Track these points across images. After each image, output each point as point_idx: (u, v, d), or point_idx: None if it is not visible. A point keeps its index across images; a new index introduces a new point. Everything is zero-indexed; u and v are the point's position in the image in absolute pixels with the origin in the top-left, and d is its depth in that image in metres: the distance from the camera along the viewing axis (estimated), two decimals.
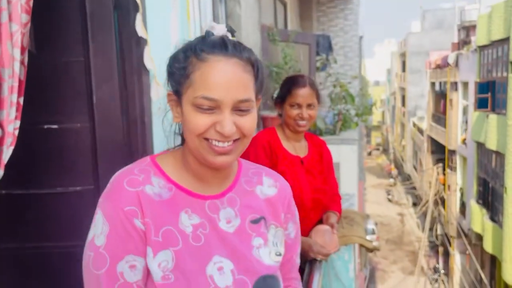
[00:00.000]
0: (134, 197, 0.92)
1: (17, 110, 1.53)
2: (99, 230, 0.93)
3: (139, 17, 1.90)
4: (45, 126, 1.97)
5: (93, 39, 1.93)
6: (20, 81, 1.51)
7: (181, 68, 0.93)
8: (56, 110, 1.97)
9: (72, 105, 1.98)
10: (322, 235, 1.40)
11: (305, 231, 1.56)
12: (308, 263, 1.46)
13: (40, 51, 1.86)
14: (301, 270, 1.51)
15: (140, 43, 1.98)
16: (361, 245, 1.64)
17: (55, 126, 1.98)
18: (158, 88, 2.06)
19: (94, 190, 2.01)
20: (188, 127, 0.91)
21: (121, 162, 2.05)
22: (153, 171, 0.97)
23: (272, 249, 0.97)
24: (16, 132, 1.57)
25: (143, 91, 2.02)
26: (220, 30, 0.97)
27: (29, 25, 1.50)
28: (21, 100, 1.55)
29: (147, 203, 0.92)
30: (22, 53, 1.52)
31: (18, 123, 1.57)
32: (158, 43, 2.09)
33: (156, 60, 2.02)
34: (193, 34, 2.43)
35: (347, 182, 1.75)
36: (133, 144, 2.02)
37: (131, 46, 1.97)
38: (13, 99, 1.47)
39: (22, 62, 1.54)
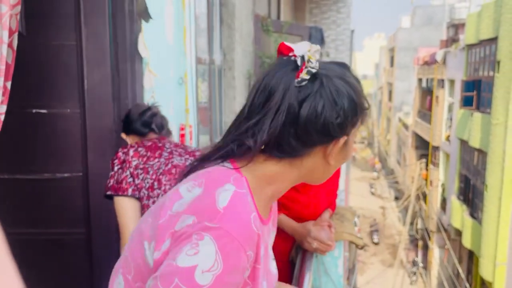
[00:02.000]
0: (255, 240, 0.75)
1: (3, 95, 1.48)
2: (207, 265, 0.68)
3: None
4: (34, 111, 1.93)
5: (85, 22, 1.88)
6: (7, 64, 1.46)
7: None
8: (46, 95, 1.93)
9: (62, 90, 1.93)
10: (320, 230, 1.41)
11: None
12: (299, 257, 1.47)
13: (31, 33, 1.81)
14: (292, 265, 1.51)
15: (134, 30, 1.94)
16: (350, 242, 1.65)
17: (44, 111, 1.93)
18: (151, 76, 2.02)
19: (83, 177, 1.98)
20: (347, 156, 0.84)
21: (111, 149, 2.02)
22: (249, 197, 0.78)
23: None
24: (2, 117, 1.52)
25: (135, 79, 1.98)
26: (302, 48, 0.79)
27: (19, 6, 1.45)
28: (8, 84, 1.50)
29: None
30: (10, 35, 1.47)
31: (4, 108, 1.52)
32: (153, 30, 2.05)
33: (150, 47, 1.99)
34: (188, 22, 2.39)
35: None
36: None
37: (125, 32, 1.93)
38: (0, 83, 1.43)
39: (10, 45, 1.49)
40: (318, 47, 0.77)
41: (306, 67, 0.74)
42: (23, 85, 1.78)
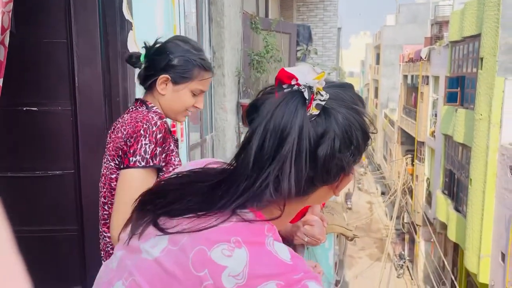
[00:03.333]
0: None
1: None
2: None
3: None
4: (24, 108, 1.92)
5: (76, 19, 1.88)
6: (0, 62, 1.47)
7: None
8: (36, 92, 1.93)
9: (53, 88, 1.93)
10: (313, 226, 1.44)
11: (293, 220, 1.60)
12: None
13: (21, 30, 1.80)
14: None
15: (125, 26, 1.95)
16: (341, 234, 1.69)
17: (34, 109, 1.93)
18: None
19: (74, 174, 1.98)
20: (349, 181, 0.79)
21: (102, 147, 2.03)
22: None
23: None
24: None
25: (126, 76, 1.99)
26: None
27: (11, 4, 1.45)
28: (0, 81, 1.51)
29: None
30: (2, 33, 1.47)
31: None
32: (143, 27, 2.06)
33: (140, 44, 1.99)
34: (178, 18, 2.40)
35: None
36: None
37: (116, 29, 1.94)
38: None
39: (1, 42, 1.49)
40: (320, 70, 0.69)
41: (315, 100, 0.66)
42: (13, 83, 1.78)
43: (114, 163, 1.30)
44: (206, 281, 0.62)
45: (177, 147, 1.40)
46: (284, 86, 0.68)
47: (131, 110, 1.35)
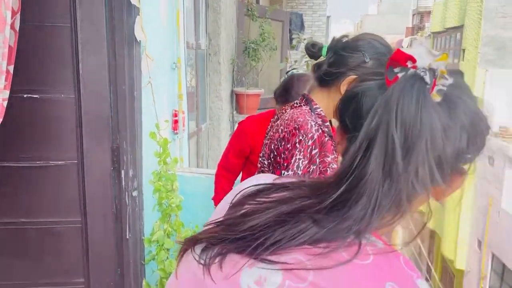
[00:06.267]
0: None
1: (6, 79, 1.41)
2: None
3: None
4: (25, 95, 1.84)
5: (80, 3, 1.80)
6: (10, 47, 1.39)
7: None
8: (38, 79, 1.84)
9: (55, 74, 1.85)
10: None
11: None
12: None
13: (22, 12, 1.71)
14: None
15: (132, 11, 1.88)
16: None
17: (36, 96, 1.85)
18: (149, 61, 1.97)
19: (78, 164, 1.92)
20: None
21: (107, 136, 1.96)
22: None
23: None
24: (5, 104, 1.45)
25: (133, 64, 1.92)
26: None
27: None
28: (11, 68, 1.43)
29: None
30: (12, 16, 1.39)
31: (7, 93, 1.45)
32: (148, 13, 1.99)
33: (147, 31, 1.93)
34: (181, 5, 2.33)
35: None
36: (120, 119, 1.94)
37: (122, 15, 1.86)
38: (3, 67, 1.35)
39: (12, 26, 1.41)
40: (437, 53, 0.58)
41: (437, 85, 0.56)
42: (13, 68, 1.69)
43: (268, 162, 1.22)
44: None
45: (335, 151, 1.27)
46: (396, 70, 0.57)
47: (295, 105, 1.24)
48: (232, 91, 4.02)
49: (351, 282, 0.50)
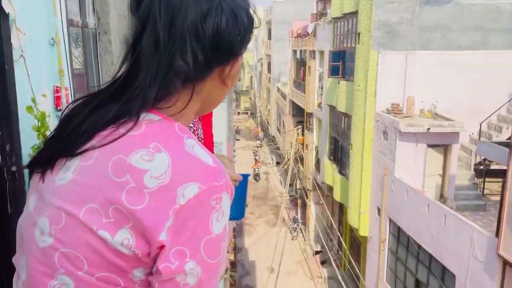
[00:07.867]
0: None
1: None
2: (227, 218, 0.71)
3: None
4: None
5: None
6: None
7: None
8: None
9: None
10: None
11: None
12: None
13: None
14: None
15: None
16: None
17: None
18: (20, 34, 1.94)
19: None
20: (238, 76, 0.80)
21: None
22: None
23: None
24: None
25: (2, 37, 1.88)
26: None
27: None
28: None
29: None
30: None
31: None
32: None
33: (17, 4, 1.90)
34: None
35: (216, 133, 1.95)
36: None
37: None
38: None
39: None
40: None
41: None
42: None
43: None
44: (129, 185, 0.63)
45: None
46: None
47: None
48: None
49: (122, 149, 0.65)
